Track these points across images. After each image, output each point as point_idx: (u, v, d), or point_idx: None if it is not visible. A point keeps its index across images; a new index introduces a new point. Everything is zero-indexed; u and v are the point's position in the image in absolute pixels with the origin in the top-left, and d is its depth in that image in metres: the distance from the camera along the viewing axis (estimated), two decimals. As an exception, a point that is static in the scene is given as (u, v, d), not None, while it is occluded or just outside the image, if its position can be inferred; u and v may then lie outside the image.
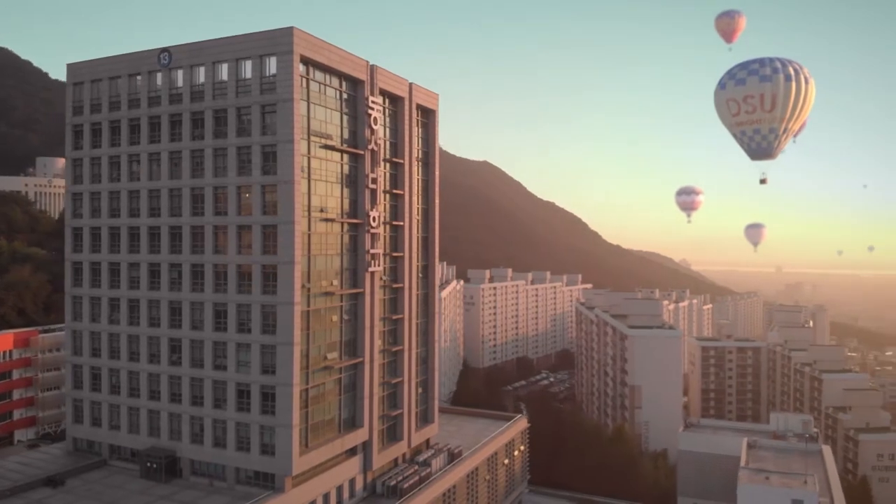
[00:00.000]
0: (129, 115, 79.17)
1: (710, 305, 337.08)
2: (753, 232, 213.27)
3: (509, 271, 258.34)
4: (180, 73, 76.25)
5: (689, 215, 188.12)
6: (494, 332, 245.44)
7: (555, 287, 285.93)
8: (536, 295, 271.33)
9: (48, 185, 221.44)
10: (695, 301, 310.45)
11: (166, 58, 76.35)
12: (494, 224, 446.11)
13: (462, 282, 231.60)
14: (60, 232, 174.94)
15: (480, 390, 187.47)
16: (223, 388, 74.52)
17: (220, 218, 74.27)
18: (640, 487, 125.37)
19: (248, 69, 72.62)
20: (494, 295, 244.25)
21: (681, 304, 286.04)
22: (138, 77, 78.90)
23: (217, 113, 74.26)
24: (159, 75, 77.46)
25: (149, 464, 76.17)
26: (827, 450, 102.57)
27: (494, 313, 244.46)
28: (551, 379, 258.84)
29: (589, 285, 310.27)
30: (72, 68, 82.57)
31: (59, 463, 79.87)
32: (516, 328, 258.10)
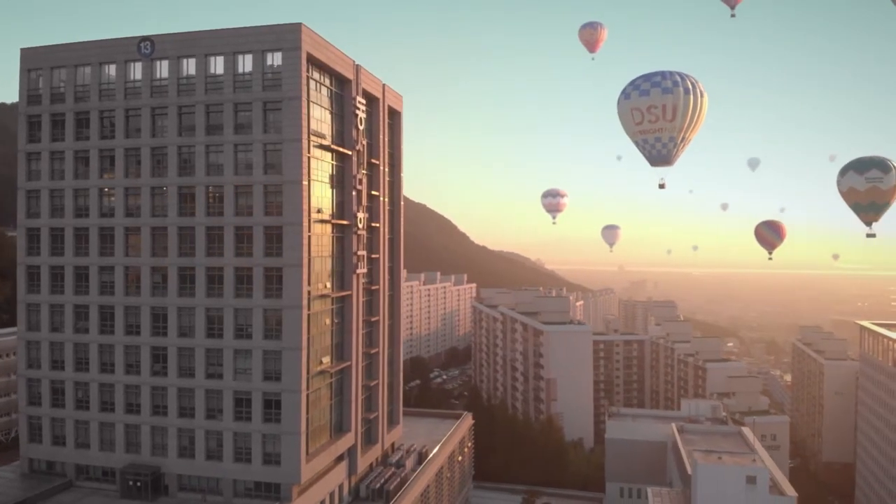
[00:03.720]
0: (100, 107, 73.16)
1: (581, 302, 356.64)
2: (609, 233, 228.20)
3: (404, 272, 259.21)
4: (165, 64, 71.58)
5: (554, 217, 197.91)
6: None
7: (445, 287, 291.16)
8: (429, 295, 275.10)
9: None
10: (570, 298, 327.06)
11: (148, 47, 71.42)
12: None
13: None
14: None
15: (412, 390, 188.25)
16: (218, 398, 70.93)
17: (215, 219, 70.63)
18: (569, 475, 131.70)
19: (247, 64, 69.72)
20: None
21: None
22: (111, 66, 73.18)
23: (210, 108, 70.59)
24: (138, 65, 72.24)
25: (131, 482, 70.93)
26: (747, 430, 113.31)
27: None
28: (444, 377, 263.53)
29: (473, 285, 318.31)
30: (27, 53, 74.98)
31: (18, 486, 72.35)
32: (410, 328, 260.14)
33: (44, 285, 75.22)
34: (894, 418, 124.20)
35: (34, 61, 74.82)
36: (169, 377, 71.89)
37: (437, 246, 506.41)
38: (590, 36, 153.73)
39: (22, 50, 75.00)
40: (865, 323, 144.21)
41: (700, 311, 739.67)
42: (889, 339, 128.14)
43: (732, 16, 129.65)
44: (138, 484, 70.76)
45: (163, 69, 71.76)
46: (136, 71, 72.37)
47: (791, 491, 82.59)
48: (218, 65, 70.40)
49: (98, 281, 73.86)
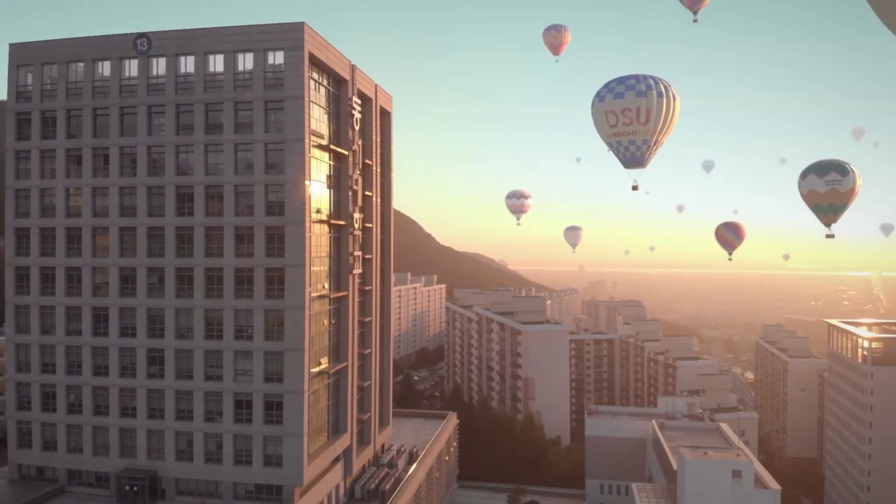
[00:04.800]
0: (93, 105, 71.67)
1: (549, 302, 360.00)
2: (572, 234, 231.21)
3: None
4: (162, 61, 70.47)
5: (518, 218, 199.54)
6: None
7: (416, 288, 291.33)
8: (399, 296, 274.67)
9: None
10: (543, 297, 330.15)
11: (144, 44, 70.23)
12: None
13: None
14: None
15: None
16: (217, 400, 70.11)
17: (214, 219, 69.77)
18: (551, 473, 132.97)
19: (248, 62, 69.10)
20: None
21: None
22: (105, 63, 71.75)
23: (210, 107, 69.74)
24: (134, 63, 70.99)
25: (127, 486, 69.68)
26: (726, 426, 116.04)
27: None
28: (416, 377, 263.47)
29: (443, 286, 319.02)
30: (16, 49, 73.00)
31: (9, 493, 70.35)
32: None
33: (33, 287, 73.30)
34: (863, 413, 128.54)
35: (24, 57, 72.88)
36: (166, 379, 70.77)
37: (402, 247, 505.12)
38: (554, 38, 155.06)
39: (11, 45, 73.02)
40: (834, 321, 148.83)
41: (660, 311, 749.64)
42: (857, 336, 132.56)
43: (695, 21, 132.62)
44: (134, 488, 69.55)
45: (160, 67, 70.63)
46: (132, 68, 71.10)
47: (774, 484, 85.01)
48: (217, 63, 69.58)
49: (91, 282, 72.32)
